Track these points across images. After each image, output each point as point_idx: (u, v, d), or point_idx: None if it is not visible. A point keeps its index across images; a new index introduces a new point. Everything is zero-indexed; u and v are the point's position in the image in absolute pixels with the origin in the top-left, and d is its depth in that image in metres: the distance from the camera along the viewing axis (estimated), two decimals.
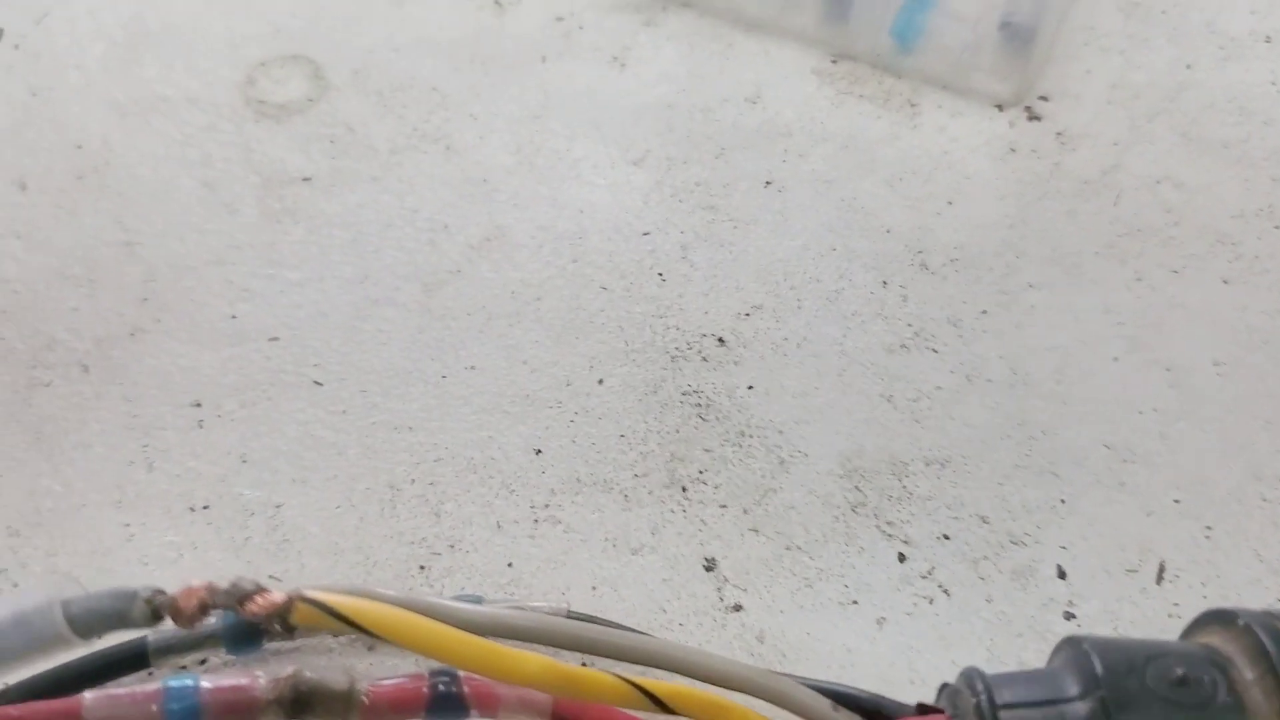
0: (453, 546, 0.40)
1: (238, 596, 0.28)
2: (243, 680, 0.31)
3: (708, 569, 0.40)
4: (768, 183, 0.49)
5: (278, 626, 0.28)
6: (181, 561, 0.40)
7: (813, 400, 0.44)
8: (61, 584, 0.28)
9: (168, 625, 0.28)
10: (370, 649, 0.37)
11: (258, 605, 0.28)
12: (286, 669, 0.31)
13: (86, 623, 0.27)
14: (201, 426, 0.43)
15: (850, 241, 0.47)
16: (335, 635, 0.36)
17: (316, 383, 0.44)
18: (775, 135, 0.50)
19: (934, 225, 0.48)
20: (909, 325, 0.46)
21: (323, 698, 0.31)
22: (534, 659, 0.30)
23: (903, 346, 0.45)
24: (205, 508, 0.41)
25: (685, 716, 0.32)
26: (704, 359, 0.44)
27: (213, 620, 0.36)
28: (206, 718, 0.31)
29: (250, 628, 0.36)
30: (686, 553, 0.40)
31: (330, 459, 0.42)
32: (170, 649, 0.36)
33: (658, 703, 0.32)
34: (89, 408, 0.43)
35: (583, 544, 0.40)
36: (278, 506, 0.41)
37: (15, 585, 0.39)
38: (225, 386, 0.44)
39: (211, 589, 0.28)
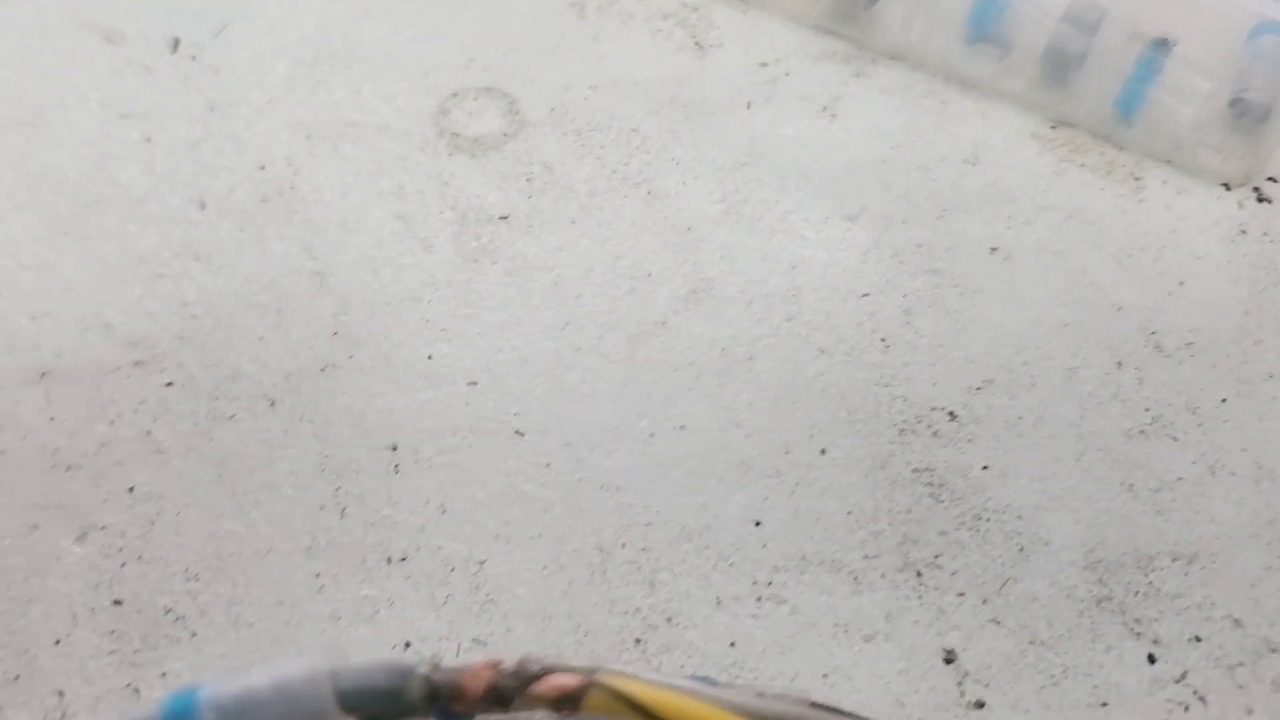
0: (670, 620, 0.38)
1: (526, 678, 0.25)
2: None
3: (948, 661, 0.37)
4: (994, 249, 0.46)
5: (565, 711, 0.25)
6: (378, 618, 0.37)
7: (1051, 485, 0.41)
8: (327, 652, 0.25)
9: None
10: None
11: (547, 688, 0.25)
12: None
13: (357, 699, 0.25)
14: (398, 472, 0.40)
15: (1082, 317, 0.45)
16: None
17: (518, 432, 0.41)
18: (998, 200, 0.47)
19: (1166, 306, 0.45)
20: (1146, 410, 0.43)
21: None
22: None
23: (1141, 432, 0.42)
24: (403, 559, 0.38)
25: None
26: (934, 434, 0.42)
27: None
28: None
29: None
30: (924, 643, 0.37)
31: (535, 515, 0.39)
32: None
33: None
34: (276, 445, 0.41)
35: (811, 627, 0.37)
36: (481, 563, 0.38)
37: (194, 634, 0.36)
38: (423, 431, 0.41)
39: (499, 669, 0.25)
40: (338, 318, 0.44)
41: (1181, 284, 0.46)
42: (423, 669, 0.25)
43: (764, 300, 0.45)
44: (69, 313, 0.43)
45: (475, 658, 0.35)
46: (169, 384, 0.42)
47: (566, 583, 0.38)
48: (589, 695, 0.25)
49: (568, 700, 0.25)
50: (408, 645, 0.37)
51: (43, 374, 0.42)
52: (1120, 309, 0.45)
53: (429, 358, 0.43)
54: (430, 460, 0.40)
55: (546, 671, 0.25)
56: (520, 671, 0.25)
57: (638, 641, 0.37)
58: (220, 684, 0.25)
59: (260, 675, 0.25)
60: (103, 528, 0.38)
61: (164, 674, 0.36)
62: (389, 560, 0.38)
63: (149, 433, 0.40)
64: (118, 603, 0.37)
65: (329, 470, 0.40)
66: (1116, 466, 0.41)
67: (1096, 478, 0.41)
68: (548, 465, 0.41)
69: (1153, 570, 0.39)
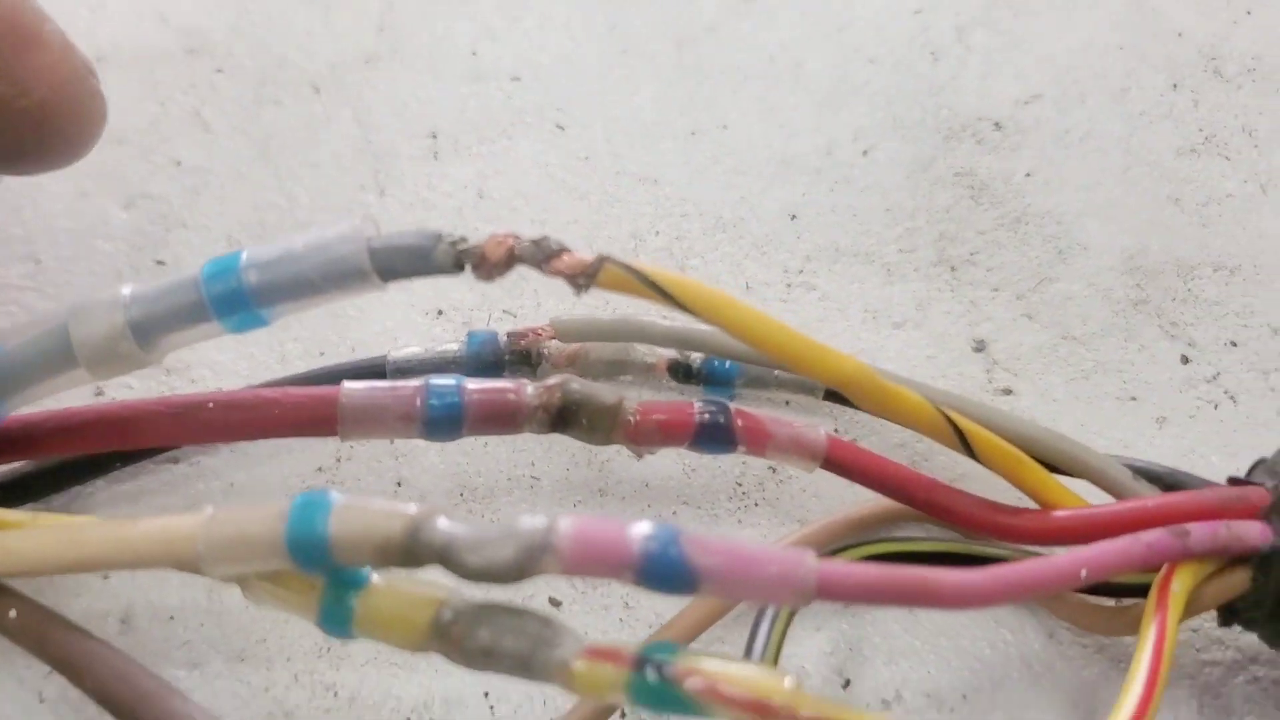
0: None
1: (545, 253, 0.25)
2: (509, 384, 0.29)
3: (977, 350, 0.37)
4: None
5: (582, 284, 0.26)
6: (411, 286, 0.38)
7: (1095, 195, 0.40)
8: (363, 225, 0.26)
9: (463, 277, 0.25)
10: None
11: (564, 263, 0.25)
12: (552, 379, 0.29)
13: (389, 259, 0.25)
14: (437, 158, 0.41)
15: (1139, 41, 0.44)
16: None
17: (559, 126, 0.41)
18: None
19: (1230, 33, 0.44)
20: (1200, 130, 0.42)
21: (589, 411, 0.29)
22: (850, 359, 0.27)
23: (1192, 150, 0.42)
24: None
25: (983, 462, 0.30)
26: (979, 141, 0.41)
27: (455, 347, 0.34)
28: (468, 418, 0.29)
29: (491, 359, 0.34)
30: (954, 332, 0.37)
31: (571, 203, 0.40)
32: (409, 370, 0.34)
33: (963, 441, 0.29)
34: (319, 128, 0.41)
35: (839, 312, 0.38)
36: None
37: None
38: (463, 121, 0.41)
39: (518, 239, 0.25)
40: (384, 14, 0.44)
41: (1249, 13, 0.45)
42: (450, 237, 0.25)
43: (817, 9, 0.44)
44: (126, 3, 0.44)
45: (505, 325, 0.36)
46: (219, 70, 0.42)
47: None
48: (604, 270, 0.25)
49: (584, 274, 0.25)
50: (439, 313, 0.37)
51: (98, 59, 0.42)
52: (1180, 34, 0.44)
53: (473, 54, 0.43)
54: (470, 149, 0.41)
55: (564, 249, 0.25)
56: (540, 244, 0.25)
57: (664, 318, 0.37)
58: (260, 246, 0.25)
59: (299, 237, 0.25)
60: (149, 196, 0.39)
61: None
62: None
63: (197, 113, 0.41)
64: (160, 263, 0.38)
65: (369, 154, 0.41)
66: (1164, 180, 0.41)
67: (1142, 190, 0.41)
68: (586, 158, 0.41)
69: (1193, 279, 0.39)
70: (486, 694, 0.30)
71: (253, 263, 0.25)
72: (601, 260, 0.25)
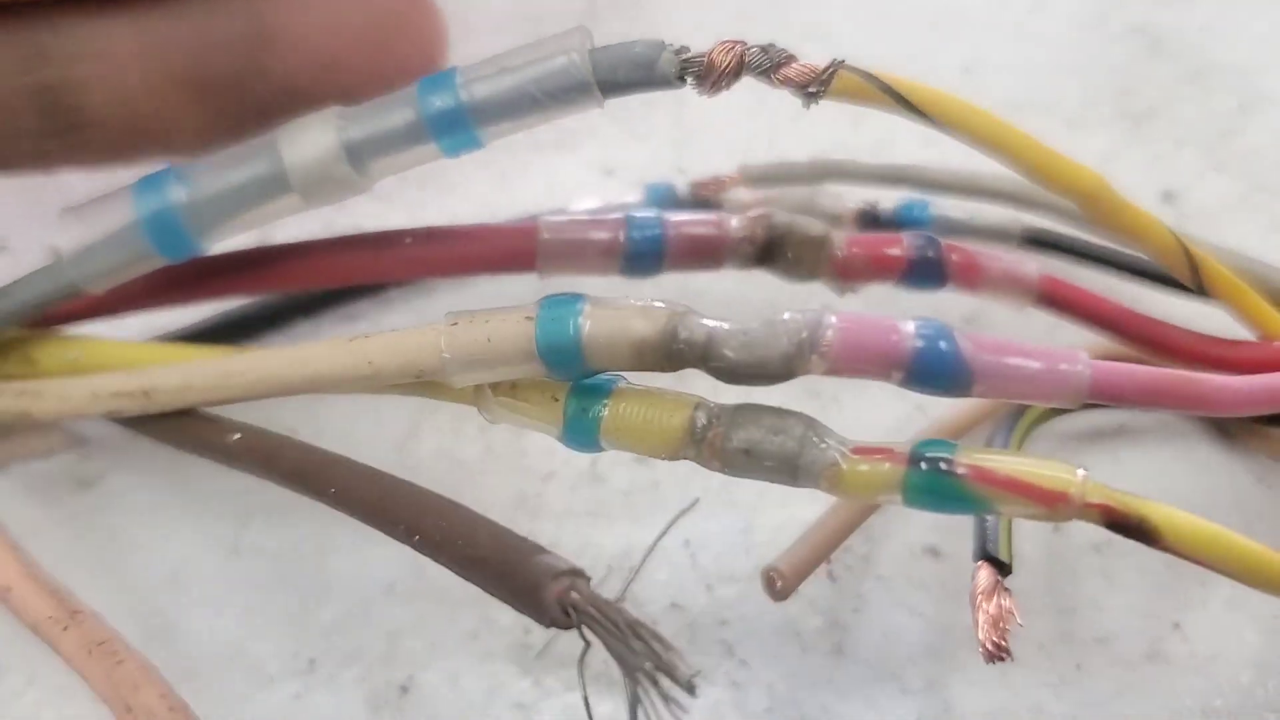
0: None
1: (774, 60, 0.25)
2: (711, 216, 0.29)
3: (1164, 202, 0.37)
4: None
5: (814, 92, 0.25)
6: (579, 147, 0.38)
7: (1277, 45, 0.40)
8: (580, 32, 0.25)
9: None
10: None
11: (794, 70, 0.25)
12: (755, 211, 0.29)
13: (612, 69, 0.24)
14: None
15: None
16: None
17: None
18: None
19: None
20: None
21: (795, 243, 0.29)
22: (1091, 171, 0.26)
23: None
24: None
25: (1211, 292, 0.29)
26: None
27: (632, 199, 0.34)
28: (670, 251, 0.28)
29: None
30: (1141, 185, 0.37)
31: None
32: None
33: (1193, 269, 0.29)
34: None
35: None
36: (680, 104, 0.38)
37: None
38: None
39: (747, 46, 0.25)
40: None
41: None
42: (673, 47, 0.24)
43: None
44: None
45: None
46: None
47: (769, 127, 0.38)
48: (838, 76, 0.24)
49: (816, 81, 0.24)
50: (609, 172, 0.37)
51: None
52: None
53: None
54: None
55: (793, 56, 0.25)
56: (769, 51, 0.24)
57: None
58: (472, 64, 0.25)
59: (512, 51, 0.25)
60: None
61: None
62: None
63: None
64: None
65: None
66: None
67: None
68: (748, 15, 0.40)
69: None
70: (687, 542, 0.30)
71: (471, 78, 0.24)
72: (836, 65, 0.24)
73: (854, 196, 0.34)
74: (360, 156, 0.24)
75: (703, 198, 0.34)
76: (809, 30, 0.39)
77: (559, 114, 0.25)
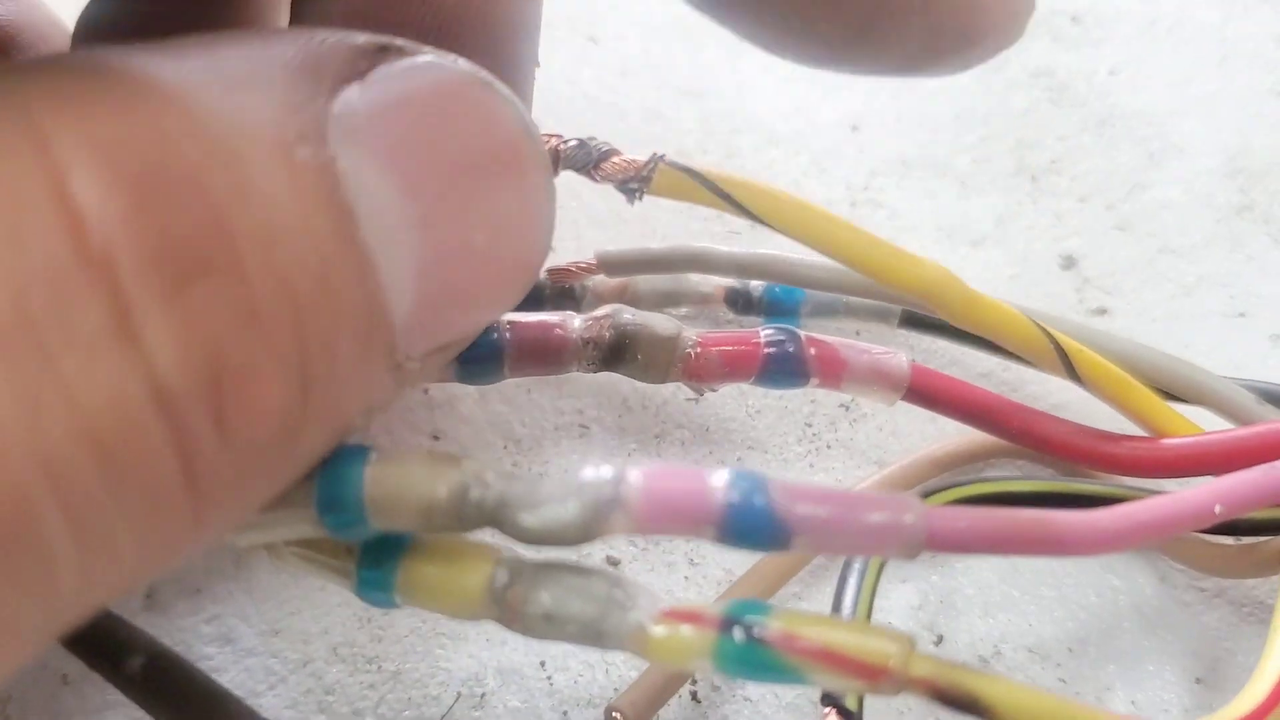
0: (753, 226, 0.36)
1: (592, 155, 0.24)
2: (553, 318, 0.28)
3: (1065, 267, 0.35)
4: None
5: (634, 188, 0.24)
6: None
7: (1188, 90, 0.39)
8: None
9: None
10: None
11: (614, 166, 0.24)
12: (601, 310, 0.28)
13: None
14: None
15: None
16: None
17: (591, 39, 0.40)
18: None
19: None
20: None
21: (644, 344, 0.27)
22: (935, 265, 0.25)
23: None
24: None
25: (1087, 385, 0.28)
26: (1055, 38, 0.39)
27: None
28: (509, 357, 0.27)
29: (530, 297, 0.33)
30: (1039, 248, 0.36)
31: (609, 121, 0.38)
32: None
33: (1065, 360, 0.27)
34: None
35: (910, 231, 0.36)
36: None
37: None
38: None
39: (563, 141, 0.24)
40: None
41: None
42: None
43: None
44: None
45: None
46: None
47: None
48: (659, 171, 0.23)
49: (637, 177, 0.23)
50: None
51: None
52: None
53: None
54: None
55: (613, 151, 0.23)
56: (586, 145, 0.23)
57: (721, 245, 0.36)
58: None
59: None
60: None
61: None
62: None
63: None
64: None
65: None
66: (1265, 72, 0.39)
67: (1241, 83, 0.39)
68: (623, 73, 0.39)
69: None
70: (543, 663, 0.29)
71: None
72: (656, 160, 0.23)
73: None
74: None
75: (561, 287, 0.32)
76: (686, 87, 0.38)
77: None
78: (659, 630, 0.20)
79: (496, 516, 0.21)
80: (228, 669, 0.28)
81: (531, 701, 0.28)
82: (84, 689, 0.27)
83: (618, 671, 0.29)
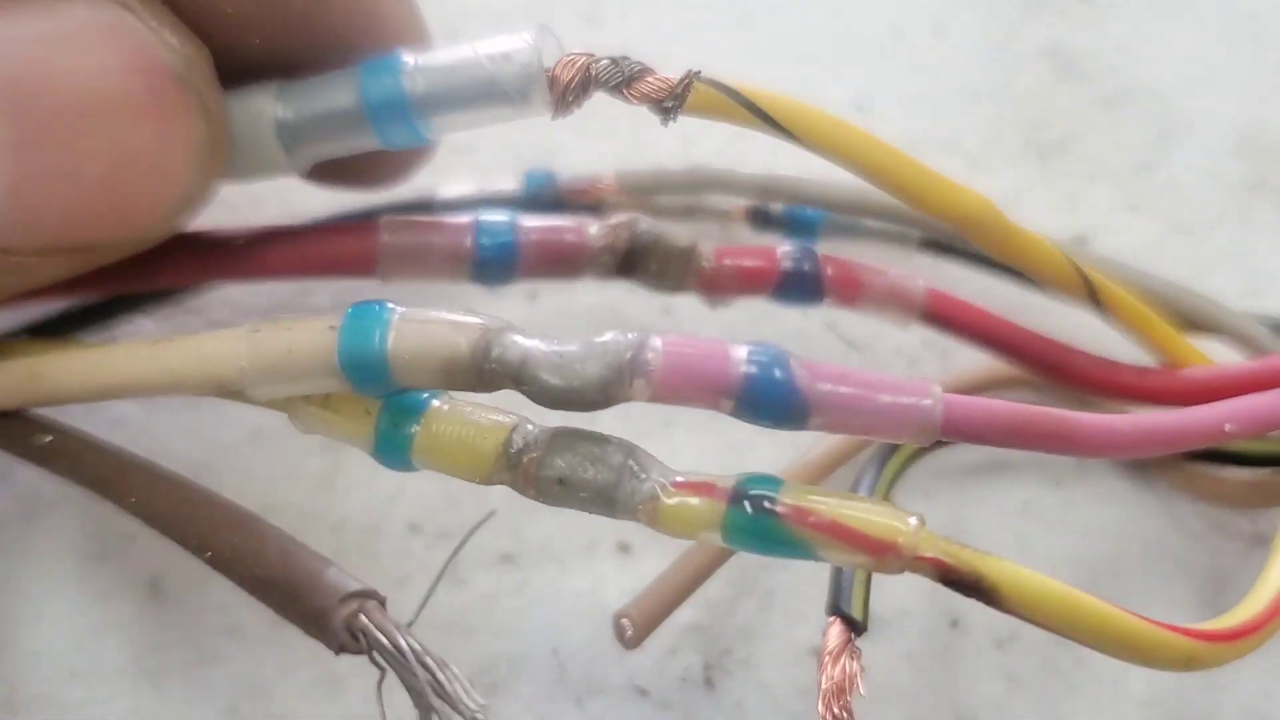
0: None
1: (625, 74, 0.24)
2: (569, 222, 0.28)
3: (1075, 247, 0.36)
4: None
5: (669, 107, 0.24)
6: None
7: (1197, 67, 0.39)
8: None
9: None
10: None
11: (648, 85, 0.23)
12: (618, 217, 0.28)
13: (445, 88, 0.24)
14: None
15: None
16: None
17: (589, 19, 0.40)
18: None
19: None
20: None
21: (660, 254, 0.28)
22: (975, 193, 0.25)
23: None
24: None
25: (1110, 315, 0.28)
26: (1062, 14, 0.40)
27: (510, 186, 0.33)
28: (523, 259, 0.27)
29: (550, 202, 0.33)
30: (1050, 227, 0.36)
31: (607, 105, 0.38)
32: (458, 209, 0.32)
33: (1091, 292, 0.27)
34: None
35: None
36: None
37: None
38: (486, 11, 0.40)
39: (594, 59, 0.23)
40: None
41: None
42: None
43: None
44: None
45: None
46: None
47: None
48: (694, 90, 0.23)
49: (671, 95, 0.23)
50: None
51: None
52: None
53: None
54: None
55: (647, 70, 0.23)
56: (619, 64, 0.23)
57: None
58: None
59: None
60: None
61: None
62: None
63: None
64: None
65: None
66: (1277, 47, 0.39)
67: (1251, 58, 0.39)
68: (625, 54, 0.39)
69: None
70: (555, 651, 0.29)
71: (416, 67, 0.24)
72: (691, 77, 0.23)
73: None
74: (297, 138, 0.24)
75: (581, 202, 0.33)
76: (689, 64, 0.38)
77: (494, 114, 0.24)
78: (670, 500, 0.21)
79: (519, 375, 0.21)
80: (236, 659, 0.28)
81: (543, 690, 0.29)
82: None
83: (633, 660, 0.29)
